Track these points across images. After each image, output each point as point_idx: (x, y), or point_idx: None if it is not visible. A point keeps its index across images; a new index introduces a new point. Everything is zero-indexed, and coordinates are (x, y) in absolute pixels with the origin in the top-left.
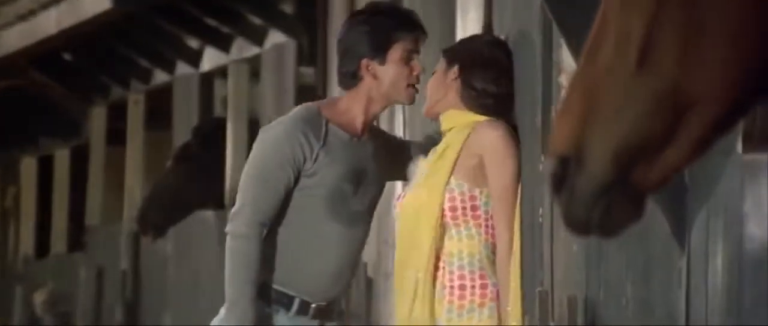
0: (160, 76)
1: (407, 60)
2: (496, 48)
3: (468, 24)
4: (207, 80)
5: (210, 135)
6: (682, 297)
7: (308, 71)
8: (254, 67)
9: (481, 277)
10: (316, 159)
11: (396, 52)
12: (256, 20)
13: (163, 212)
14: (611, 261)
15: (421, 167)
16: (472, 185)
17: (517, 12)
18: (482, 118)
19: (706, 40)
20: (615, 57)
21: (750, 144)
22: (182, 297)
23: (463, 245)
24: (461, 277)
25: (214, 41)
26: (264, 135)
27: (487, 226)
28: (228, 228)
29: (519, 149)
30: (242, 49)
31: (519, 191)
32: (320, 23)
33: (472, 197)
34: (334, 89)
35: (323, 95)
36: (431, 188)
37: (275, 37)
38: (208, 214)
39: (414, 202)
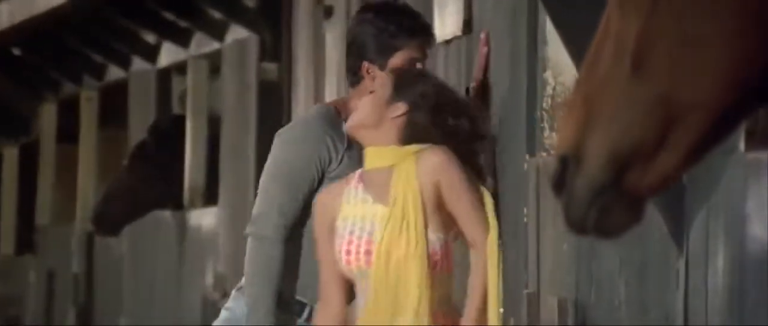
0: (114, 72)
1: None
2: (448, 93)
3: (446, 18)
4: (164, 76)
5: (168, 133)
6: (680, 299)
7: (271, 67)
8: (214, 63)
9: (453, 319)
10: (341, 161)
11: (398, 60)
12: (217, 14)
13: (119, 212)
14: (604, 261)
15: (366, 209)
16: (445, 233)
17: (499, 5)
18: (421, 146)
19: (697, 48)
20: (614, 60)
21: (753, 142)
22: (138, 300)
23: (434, 291)
24: (435, 317)
25: (172, 36)
26: (286, 135)
27: (453, 265)
28: (250, 231)
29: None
30: (201, 44)
31: (501, 190)
32: (284, 17)
33: (447, 245)
34: (300, 86)
35: (288, 92)
36: (412, 235)
37: (236, 32)
38: (166, 214)
39: (396, 252)
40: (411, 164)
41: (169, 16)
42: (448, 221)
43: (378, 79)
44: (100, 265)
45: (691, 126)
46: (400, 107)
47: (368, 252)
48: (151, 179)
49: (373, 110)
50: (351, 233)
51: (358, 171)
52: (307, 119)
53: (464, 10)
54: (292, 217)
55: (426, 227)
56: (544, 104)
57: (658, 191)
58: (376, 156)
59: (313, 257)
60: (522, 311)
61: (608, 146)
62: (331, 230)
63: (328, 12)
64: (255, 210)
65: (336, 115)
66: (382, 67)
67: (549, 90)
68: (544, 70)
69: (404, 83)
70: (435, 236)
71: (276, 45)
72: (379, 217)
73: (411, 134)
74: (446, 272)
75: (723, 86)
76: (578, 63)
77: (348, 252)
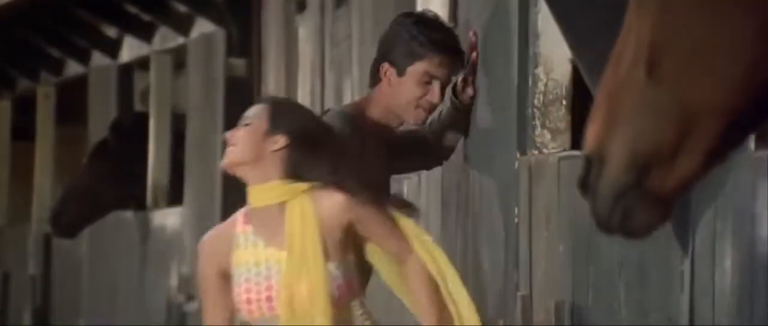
0: (73, 68)
1: (425, 82)
2: (326, 125)
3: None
4: (126, 72)
5: (129, 131)
6: (685, 301)
7: (239, 63)
8: (178, 59)
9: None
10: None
11: (416, 69)
12: (182, 7)
13: (78, 213)
14: (602, 262)
15: (259, 254)
16: (344, 259)
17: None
18: (314, 184)
19: (707, 54)
20: (633, 62)
21: (763, 141)
22: (98, 303)
23: (341, 319)
24: None
25: (134, 30)
26: None
27: (356, 285)
28: None
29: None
30: (166, 38)
31: (493, 188)
32: (254, 10)
33: (348, 271)
34: (270, 82)
35: (257, 89)
36: (313, 274)
37: (202, 26)
38: (128, 214)
39: (298, 294)
40: (305, 201)
41: (132, 9)
42: (345, 247)
43: (391, 80)
44: (58, 267)
45: (707, 130)
46: (279, 140)
47: (269, 298)
48: (112, 178)
49: (249, 144)
50: (247, 280)
51: (242, 211)
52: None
53: (450, 3)
54: None
55: (327, 261)
56: (536, 101)
57: (680, 193)
58: (261, 194)
59: None
60: (515, 313)
61: (629, 147)
62: (221, 276)
63: (301, 5)
64: None
65: (354, 120)
66: (400, 73)
67: (541, 87)
68: (536, 67)
69: (280, 114)
70: (334, 266)
71: (244, 40)
72: (274, 260)
73: (294, 168)
74: (350, 297)
75: (735, 90)
76: (579, 57)
77: (248, 301)
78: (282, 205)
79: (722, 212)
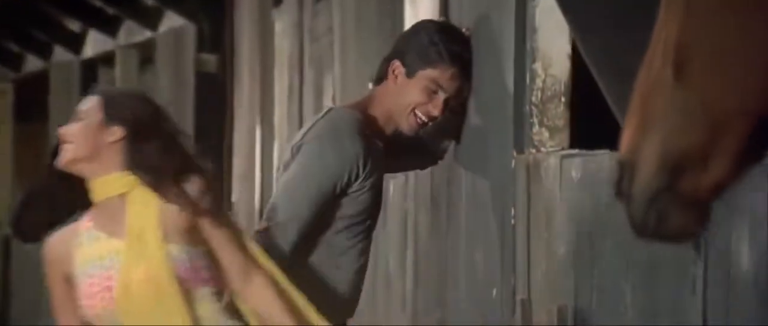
0: (33, 63)
1: (431, 90)
2: (159, 109)
3: (419, 5)
4: (90, 68)
5: None
6: (698, 305)
7: (210, 58)
8: (145, 54)
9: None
10: (366, 176)
11: (427, 75)
12: (149, 1)
13: (41, 214)
14: (607, 264)
15: (101, 247)
16: (194, 246)
17: None
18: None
19: (731, 58)
20: (662, 64)
21: None
22: None
23: (199, 307)
24: None
25: (98, 24)
26: (316, 148)
27: (216, 279)
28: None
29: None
30: (132, 32)
31: (484, 188)
32: (227, 4)
33: (199, 259)
34: (244, 78)
35: (230, 85)
36: (153, 259)
37: (172, 20)
38: None
39: (135, 281)
40: (149, 192)
41: (96, 1)
42: (193, 235)
43: (399, 79)
44: (17, 268)
45: (736, 132)
46: (117, 131)
47: (109, 288)
48: (76, 178)
49: (85, 139)
50: (90, 276)
51: (90, 210)
52: (337, 134)
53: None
54: (304, 235)
55: (169, 243)
56: (534, 98)
57: (715, 196)
58: (102, 187)
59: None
60: (513, 317)
61: (659, 151)
62: (65, 281)
63: None
64: (278, 219)
65: (362, 122)
66: (409, 74)
67: (539, 83)
68: (533, 62)
69: (114, 104)
70: (177, 249)
71: (216, 34)
72: (116, 251)
73: (137, 160)
74: (200, 283)
75: (761, 92)
76: (585, 49)
77: (90, 296)
78: (124, 196)
79: (738, 211)
